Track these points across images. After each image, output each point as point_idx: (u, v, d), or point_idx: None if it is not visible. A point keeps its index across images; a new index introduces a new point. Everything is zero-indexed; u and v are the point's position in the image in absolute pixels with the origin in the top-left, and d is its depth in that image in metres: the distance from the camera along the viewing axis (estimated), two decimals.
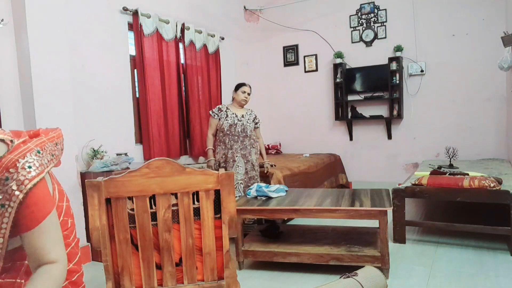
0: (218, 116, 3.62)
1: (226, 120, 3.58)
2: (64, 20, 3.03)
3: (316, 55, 5.87)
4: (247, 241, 2.94)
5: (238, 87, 3.70)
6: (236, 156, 3.54)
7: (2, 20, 2.65)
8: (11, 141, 1.03)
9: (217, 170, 3.43)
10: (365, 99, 5.47)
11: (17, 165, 0.97)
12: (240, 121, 3.62)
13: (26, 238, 0.99)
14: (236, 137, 3.58)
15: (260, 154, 3.79)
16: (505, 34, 3.64)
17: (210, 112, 3.68)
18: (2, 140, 1.02)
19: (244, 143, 3.60)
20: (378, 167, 5.57)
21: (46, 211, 1.02)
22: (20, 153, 1.00)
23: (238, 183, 3.51)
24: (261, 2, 6.07)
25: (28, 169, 0.98)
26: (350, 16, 5.57)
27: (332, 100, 5.77)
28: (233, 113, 3.62)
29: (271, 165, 3.87)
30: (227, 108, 3.65)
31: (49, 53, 2.89)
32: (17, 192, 0.95)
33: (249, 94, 3.68)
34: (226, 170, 3.44)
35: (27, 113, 2.84)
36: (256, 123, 3.75)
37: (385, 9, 5.34)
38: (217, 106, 3.70)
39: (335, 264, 2.61)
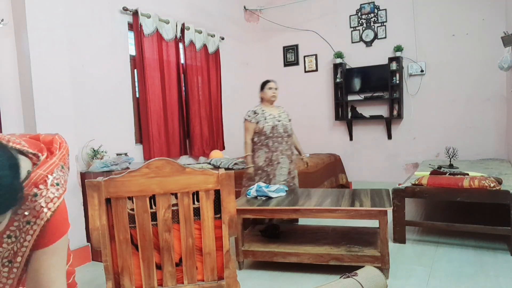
0: (255, 119, 3.46)
1: (267, 122, 3.43)
2: (64, 20, 3.03)
3: (316, 55, 5.87)
4: (247, 241, 2.94)
5: (263, 85, 3.58)
6: (281, 158, 3.43)
7: (2, 20, 2.65)
8: (34, 154, 0.98)
9: (255, 177, 3.44)
10: (365, 99, 5.47)
11: (47, 181, 0.93)
12: (280, 121, 3.50)
13: (36, 257, 0.93)
14: (280, 139, 3.45)
15: (297, 149, 3.72)
16: (505, 34, 3.64)
17: (246, 117, 3.51)
18: (22, 153, 0.96)
19: (288, 143, 3.50)
20: (378, 167, 5.57)
21: (64, 229, 0.98)
22: (48, 169, 0.96)
23: (280, 184, 3.40)
24: (261, 2, 6.07)
25: (56, 186, 0.95)
26: (350, 16, 5.57)
27: (332, 100, 5.77)
28: (270, 114, 3.49)
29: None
30: (262, 110, 3.50)
31: (49, 53, 2.89)
32: (45, 210, 0.91)
33: (276, 89, 3.56)
34: (268, 174, 3.41)
35: (27, 113, 2.84)
36: (289, 120, 3.64)
37: (385, 9, 5.34)
38: (251, 110, 3.54)
39: (335, 264, 2.61)
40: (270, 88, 3.54)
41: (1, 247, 0.90)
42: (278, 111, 3.58)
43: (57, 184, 0.95)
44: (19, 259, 0.91)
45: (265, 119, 3.45)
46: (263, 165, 3.44)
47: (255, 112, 3.50)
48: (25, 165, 0.93)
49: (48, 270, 0.94)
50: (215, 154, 4.63)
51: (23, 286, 0.98)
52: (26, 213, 0.90)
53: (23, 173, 0.90)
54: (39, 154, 0.98)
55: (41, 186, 0.92)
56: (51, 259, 0.95)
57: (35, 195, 0.91)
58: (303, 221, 3.68)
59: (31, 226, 0.90)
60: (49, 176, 0.94)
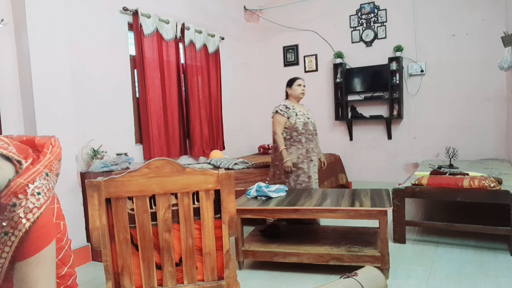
0: (287, 114, 3.43)
1: (298, 118, 3.42)
2: (64, 20, 3.03)
3: (316, 55, 5.87)
4: (247, 241, 2.94)
5: (292, 81, 3.55)
6: (313, 155, 3.46)
7: (2, 20, 2.65)
8: (18, 161, 0.95)
9: (292, 172, 3.41)
10: (365, 99, 5.47)
11: (27, 190, 0.91)
12: (309, 119, 3.50)
13: (19, 268, 0.91)
14: (311, 136, 3.47)
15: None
16: (505, 34, 3.64)
17: (278, 110, 3.46)
18: (8, 158, 0.93)
19: (316, 141, 3.54)
20: (378, 167, 5.57)
21: (47, 239, 0.95)
22: (30, 177, 0.93)
23: (315, 182, 3.48)
24: (261, 2, 6.07)
25: (37, 196, 0.92)
26: (350, 16, 5.57)
27: (332, 100, 5.77)
28: (300, 111, 3.47)
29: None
30: (292, 106, 3.47)
31: (49, 53, 2.89)
32: (24, 220, 0.89)
33: (304, 86, 3.55)
34: (304, 171, 3.39)
35: (27, 113, 2.84)
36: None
37: (385, 9, 5.34)
38: (282, 104, 3.50)
39: (335, 264, 2.61)
40: (299, 85, 3.52)
41: None
42: (305, 109, 3.58)
43: (38, 194, 0.93)
44: None
45: (296, 115, 3.44)
46: (297, 162, 3.42)
47: (286, 107, 3.46)
48: (7, 173, 0.91)
49: (32, 282, 0.92)
50: (215, 154, 4.63)
51: None
52: (4, 223, 0.88)
53: (2, 182, 0.88)
54: (23, 161, 0.95)
55: (20, 196, 0.89)
56: (35, 270, 0.92)
57: (14, 205, 0.88)
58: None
59: (9, 237, 0.88)
60: (29, 185, 0.91)
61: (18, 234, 0.89)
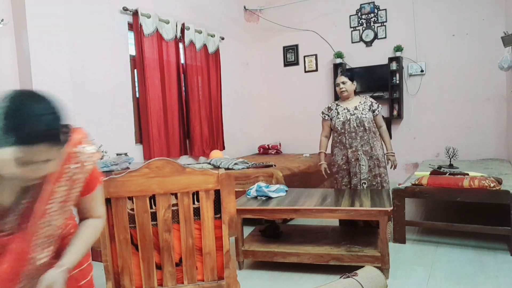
0: (329, 116, 3.31)
1: (338, 118, 3.23)
2: (64, 20, 3.03)
3: (316, 55, 5.87)
4: (247, 241, 2.94)
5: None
6: (359, 155, 3.18)
7: (2, 20, 2.65)
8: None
9: (335, 175, 3.31)
10: None
11: (83, 142, 1.19)
12: (354, 114, 3.19)
13: (84, 199, 1.23)
14: (354, 134, 3.17)
15: (385, 144, 3.34)
16: (505, 34, 3.64)
17: (321, 114, 3.39)
18: None
19: (364, 138, 3.17)
20: None
21: (100, 177, 1.28)
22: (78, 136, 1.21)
23: (361, 183, 3.19)
24: (261, 2, 6.07)
25: (92, 146, 1.22)
26: (350, 16, 5.57)
27: (332, 100, 5.76)
28: (344, 108, 3.24)
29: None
30: (337, 105, 3.30)
31: (49, 53, 2.89)
32: (86, 163, 1.17)
33: (344, 83, 3.22)
34: (349, 172, 3.22)
35: None
36: (374, 111, 3.26)
37: (385, 9, 5.34)
38: (327, 106, 3.38)
39: (335, 264, 2.61)
40: (337, 84, 3.29)
41: (56, 194, 1.12)
42: (355, 104, 3.26)
43: (89, 146, 1.21)
44: (69, 203, 1.17)
45: (338, 114, 3.25)
46: (342, 163, 3.27)
47: (329, 108, 3.34)
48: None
49: (95, 205, 1.28)
50: (215, 154, 4.64)
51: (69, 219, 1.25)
52: (72, 166, 1.13)
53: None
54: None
55: (79, 147, 1.16)
56: (95, 199, 1.27)
57: (77, 153, 1.15)
58: (303, 221, 3.68)
59: (79, 178, 1.16)
60: (82, 140, 1.19)
61: (86, 174, 1.17)
